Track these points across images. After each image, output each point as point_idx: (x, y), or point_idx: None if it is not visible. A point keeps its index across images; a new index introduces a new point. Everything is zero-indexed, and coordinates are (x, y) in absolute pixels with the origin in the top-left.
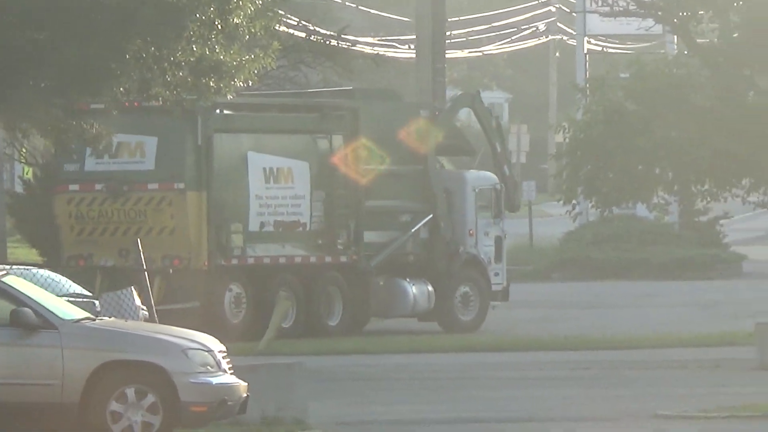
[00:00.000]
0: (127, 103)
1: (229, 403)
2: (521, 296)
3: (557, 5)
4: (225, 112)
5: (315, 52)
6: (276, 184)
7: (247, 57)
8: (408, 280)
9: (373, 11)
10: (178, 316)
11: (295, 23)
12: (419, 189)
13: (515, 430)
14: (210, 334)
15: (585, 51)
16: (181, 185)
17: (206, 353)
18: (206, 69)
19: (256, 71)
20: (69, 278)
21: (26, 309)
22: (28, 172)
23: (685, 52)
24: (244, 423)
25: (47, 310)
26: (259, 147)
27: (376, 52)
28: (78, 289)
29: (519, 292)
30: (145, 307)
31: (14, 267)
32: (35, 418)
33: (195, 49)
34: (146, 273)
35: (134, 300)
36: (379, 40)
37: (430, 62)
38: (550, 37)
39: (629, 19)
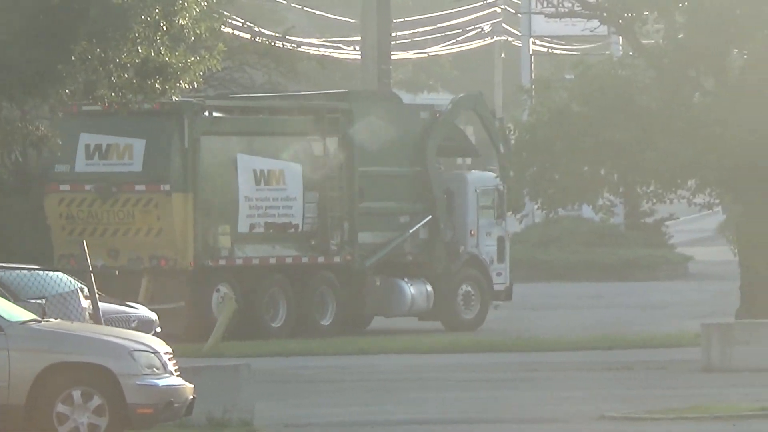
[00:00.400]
0: (116, 106)
1: (176, 405)
2: None
3: (502, 6)
4: (214, 114)
5: (260, 53)
6: (267, 186)
7: (193, 58)
8: (406, 280)
9: (318, 12)
10: (165, 315)
11: (240, 24)
12: (419, 190)
13: None
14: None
15: (530, 52)
16: (167, 187)
17: (152, 355)
18: (151, 70)
19: (201, 73)
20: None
21: None
22: None
23: (631, 54)
24: (190, 425)
25: None
26: (249, 149)
27: (321, 54)
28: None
29: None
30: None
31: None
32: None
33: (140, 50)
34: (92, 275)
35: (80, 302)
36: (324, 42)
37: (375, 64)
38: (496, 38)
39: (574, 20)
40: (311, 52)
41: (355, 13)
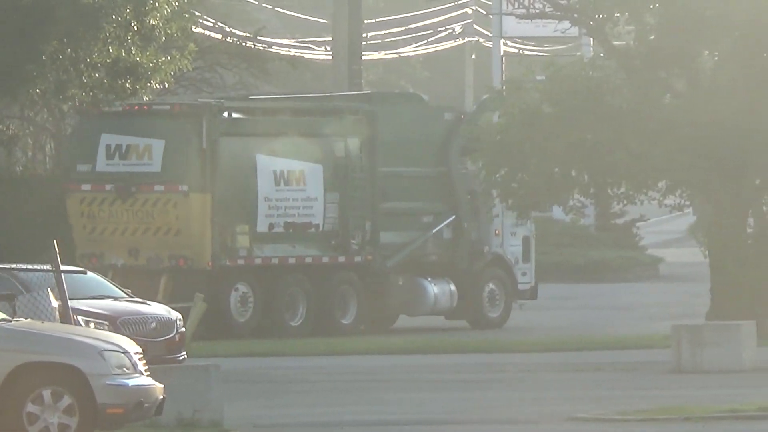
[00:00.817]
0: (137, 107)
1: (146, 405)
2: None
3: (473, 7)
4: (233, 115)
5: (231, 53)
6: (287, 186)
7: (164, 58)
8: (429, 279)
9: (289, 13)
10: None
11: (212, 24)
12: (442, 191)
13: None
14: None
15: (501, 53)
16: (185, 187)
17: (122, 355)
18: (122, 70)
19: (172, 73)
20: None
21: None
22: None
23: (601, 55)
24: (160, 425)
25: None
26: (269, 150)
27: (292, 54)
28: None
29: None
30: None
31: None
32: None
33: (111, 50)
34: (62, 274)
35: (50, 301)
36: (295, 42)
37: (346, 64)
38: (467, 39)
39: (545, 22)
40: (282, 52)
41: (326, 13)
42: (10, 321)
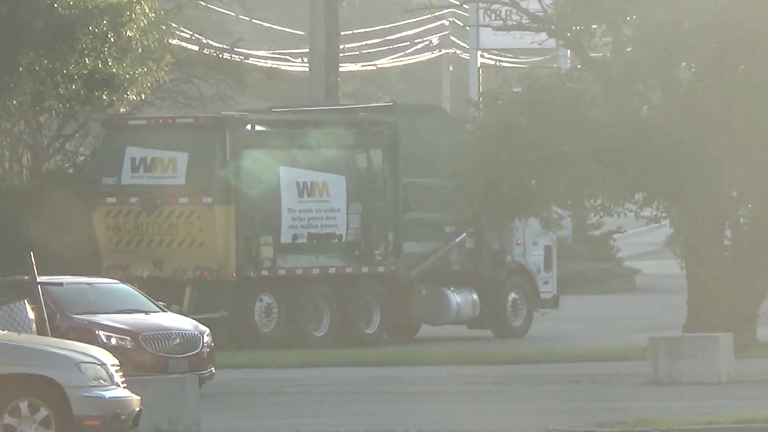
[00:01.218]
0: (161, 120)
1: (122, 416)
2: None
3: (450, 19)
4: (257, 128)
5: (208, 65)
6: (310, 198)
7: (140, 70)
8: (452, 288)
9: (266, 24)
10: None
11: (188, 36)
12: None
13: None
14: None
15: (478, 65)
16: (209, 200)
17: (99, 367)
18: (99, 82)
19: (149, 84)
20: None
21: None
22: None
23: (578, 67)
24: None
25: None
26: (292, 162)
27: (269, 66)
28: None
29: None
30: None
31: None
32: None
33: (88, 61)
34: (39, 286)
35: (27, 313)
36: (272, 54)
37: (323, 76)
38: (444, 51)
39: (522, 33)
40: (259, 64)
41: (303, 25)
42: None
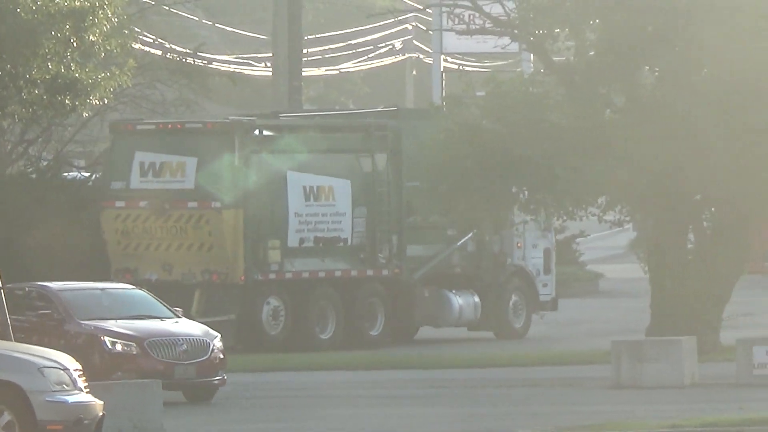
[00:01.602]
0: (170, 125)
1: (86, 421)
2: None
3: (414, 23)
4: (264, 133)
5: (171, 69)
6: (316, 202)
7: (103, 74)
8: (454, 291)
9: (229, 29)
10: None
11: (151, 41)
12: None
13: None
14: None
15: (441, 69)
16: (218, 204)
17: (62, 372)
18: (62, 87)
19: (112, 89)
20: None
21: None
22: None
23: (542, 71)
24: None
25: None
26: (299, 166)
27: (232, 70)
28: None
29: None
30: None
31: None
32: None
33: (50, 66)
34: (2, 291)
35: None
36: (235, 58)
37: (286, 80)
38: (407, 55)
39: (486, 37)
40: (222, 68)
41: (266, 29)
42: None
